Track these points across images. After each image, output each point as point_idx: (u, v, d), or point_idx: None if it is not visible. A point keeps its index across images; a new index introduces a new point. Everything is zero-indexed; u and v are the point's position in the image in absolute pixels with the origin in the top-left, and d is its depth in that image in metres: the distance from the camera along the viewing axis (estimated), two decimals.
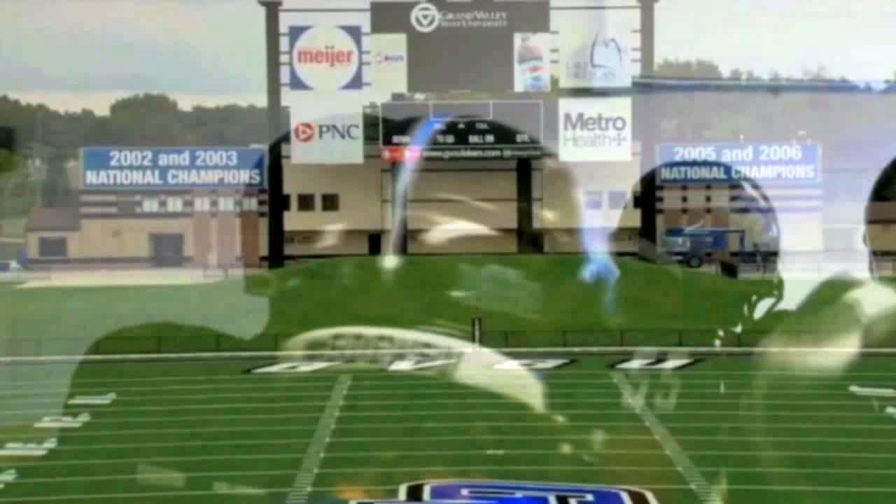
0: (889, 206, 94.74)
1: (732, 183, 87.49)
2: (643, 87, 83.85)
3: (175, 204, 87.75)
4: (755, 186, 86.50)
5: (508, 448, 39.82)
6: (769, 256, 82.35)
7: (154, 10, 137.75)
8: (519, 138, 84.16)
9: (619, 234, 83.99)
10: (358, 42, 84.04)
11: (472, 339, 59.76)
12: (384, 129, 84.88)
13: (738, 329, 60.66)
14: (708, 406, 47.21)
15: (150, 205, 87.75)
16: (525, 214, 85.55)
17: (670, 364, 56.60)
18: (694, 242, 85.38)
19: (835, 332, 60.74)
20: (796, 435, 41.74)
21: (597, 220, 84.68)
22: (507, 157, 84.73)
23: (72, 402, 48.10)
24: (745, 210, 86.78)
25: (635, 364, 56.15)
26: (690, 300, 68.05)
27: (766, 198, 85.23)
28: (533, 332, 61.18)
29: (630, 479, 35.19)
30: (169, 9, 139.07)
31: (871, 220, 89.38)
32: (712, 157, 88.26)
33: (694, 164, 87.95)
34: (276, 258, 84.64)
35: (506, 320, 61.83)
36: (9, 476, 36.95)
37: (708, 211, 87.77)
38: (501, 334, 60.66)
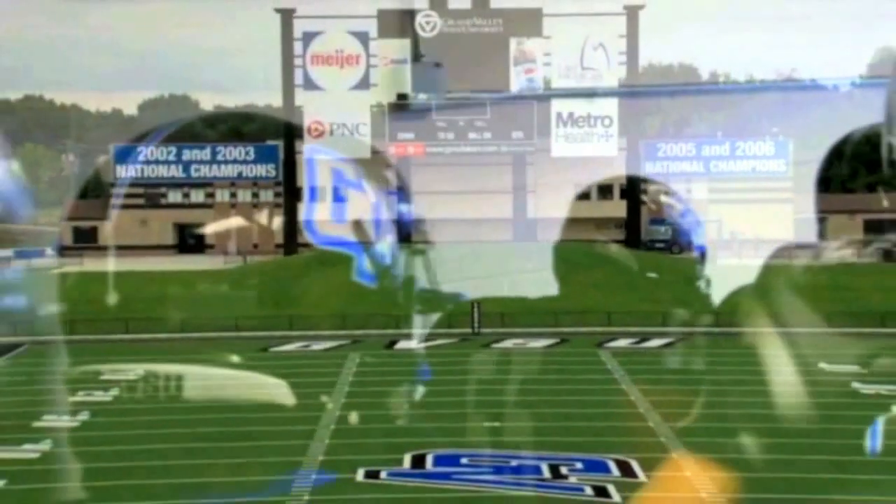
0: (854, 198, 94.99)
1: (711, 176, 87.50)
2: (629, 89, 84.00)
3: (197, 195, 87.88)
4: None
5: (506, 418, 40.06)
6: (747, 244, 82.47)
7: (178, 17, 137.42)
8: (514, 135, 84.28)
9: (607, 224, 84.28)
10: (366, 46, 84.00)
11: (472, 321, 59.94)
12: (390, 126, 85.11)
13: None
14: (687, 381, 47.26)
15: (174, 196, 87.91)
16: (520, 205, 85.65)
17: (654, 343, 56.73)
18: (675, 231, 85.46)
19: (805, 314, 60.95)
20: (771, 408, 41.80)
21: (586, 210, 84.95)
22: (504, 152, 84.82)
23: (103, 378, 48.28)
24: (722, 201, 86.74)
25: (621, 343, 56.28)
26: (672, 284, 68.05)
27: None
28: (527, 314, 61.31)
29: (616, 448, 35.30)
30: (191, 16, 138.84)
31: (838, 210, 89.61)
32: (692, 153, 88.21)
33: (675, 158, 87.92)
34: (290, 246, 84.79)
35: (500, 304, 62.01)
36: (45, 445, 37.11)
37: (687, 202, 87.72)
38: (498, 315, 60.86)
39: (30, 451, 36.31)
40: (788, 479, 32.70)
